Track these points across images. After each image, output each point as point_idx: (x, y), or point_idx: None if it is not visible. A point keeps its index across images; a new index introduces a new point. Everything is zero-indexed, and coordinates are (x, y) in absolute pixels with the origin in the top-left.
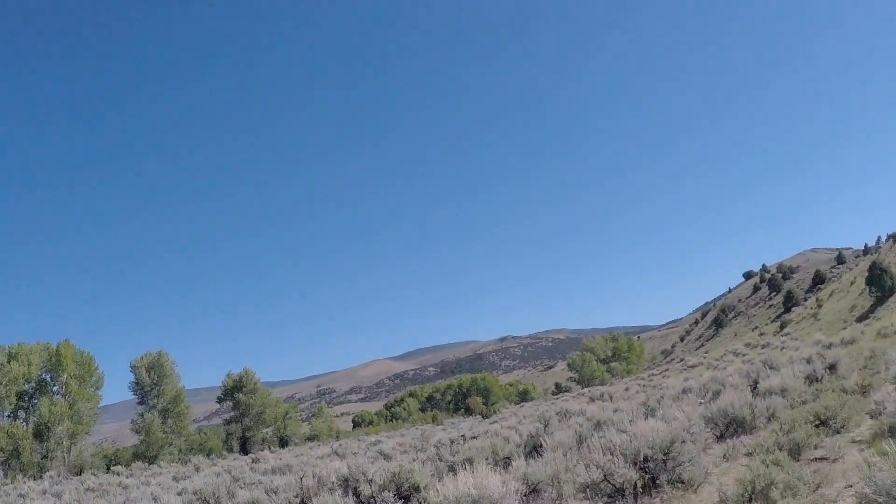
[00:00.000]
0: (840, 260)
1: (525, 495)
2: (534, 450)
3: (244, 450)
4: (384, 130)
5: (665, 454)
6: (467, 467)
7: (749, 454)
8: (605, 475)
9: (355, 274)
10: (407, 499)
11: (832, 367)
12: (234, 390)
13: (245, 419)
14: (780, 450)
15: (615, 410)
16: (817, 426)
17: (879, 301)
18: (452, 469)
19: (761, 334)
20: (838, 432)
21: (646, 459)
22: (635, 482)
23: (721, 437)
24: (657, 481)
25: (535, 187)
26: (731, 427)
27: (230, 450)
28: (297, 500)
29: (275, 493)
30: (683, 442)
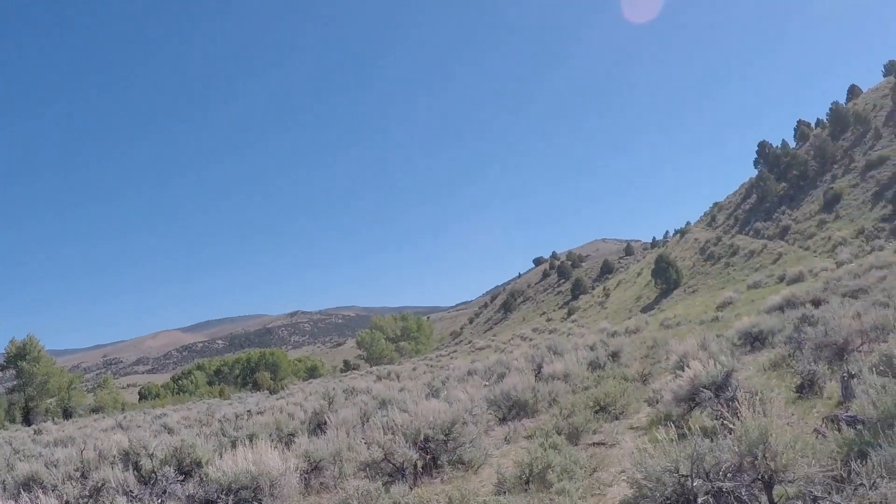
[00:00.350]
0: (628, 251)
1: (307, 472)
2: (318, 427)
3: (27, 420)
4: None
5: (446, 435)
6: (248, 443)
7: (529, 437)
8: (385, 454)
9: (143, 239)
10: (188, 474)
11: (615, 355)
12: (17, 358)
13: (28, 389)
14: (560, 434)
15: (401, 390)
16: (597, 412)
17: (664, 293)
18: (235, 444)
19: (549, 320)
20: (617, 419)
21: (427, 440)
22: (415, 462)
23: (503, 420)
24: (438, 462)
25: (333, 172)
26: (513, 410)
27: (12, 420)
28: (78, 474)
29: (55, 466)
30: (465, 423)
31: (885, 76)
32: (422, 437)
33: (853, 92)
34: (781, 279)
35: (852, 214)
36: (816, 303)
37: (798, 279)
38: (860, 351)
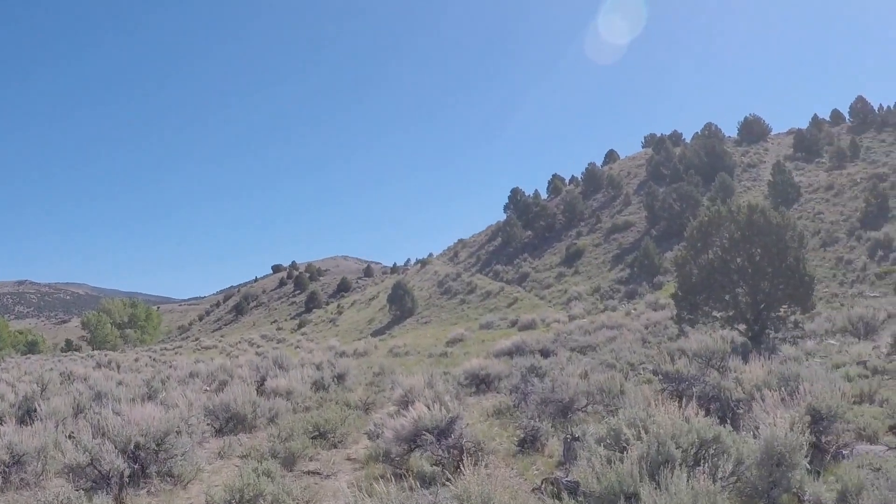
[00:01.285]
0: (368, 273)
1: (9, 466)
2: (28, 414)
3: None
4: None
5: (158, 444)
6: None
7: (245, 456)
8: (92, 459)
9: None
10: None
11: (341, 377)
12: None
13: None
14: (275, 457)
15: (119, 383)
16: (316, 437)
17: (397, 320)
18: None
19: (279, 329)
20: (336, 447)
21: (137, 447)
22: (123, 471)
23: (220, 432)
24: (147, 472)
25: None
26: (231, 423)
27: None
28: None
29: None
30: (179, 433)
31: (643, 147)
32: (132, 445)
33: (611, 157)
34: (514, 324)
35: (591, 272)
36: (546, 353)
37: (530, 326)
38: (585, 411)
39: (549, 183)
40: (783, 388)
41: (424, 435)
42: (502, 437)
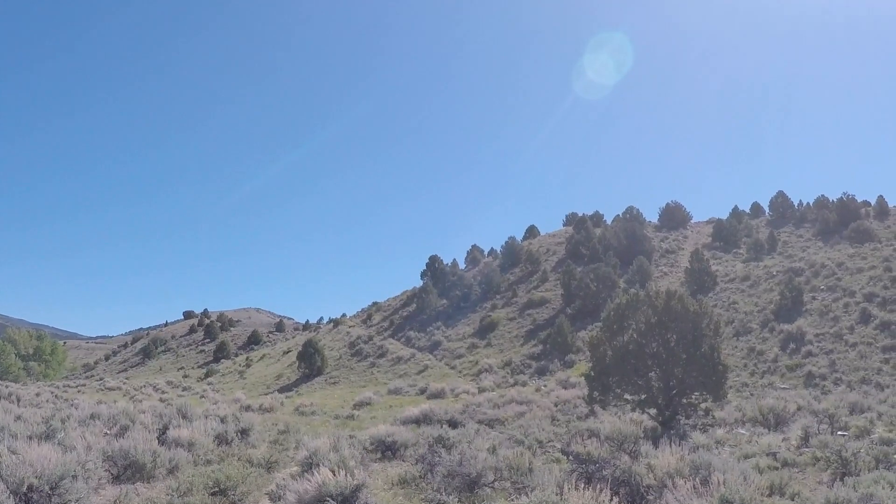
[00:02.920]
0: (280, 328)
1: None
2: None
3: None
4: None
5: (52, 488)
6: None
7: None
8: None
9: None
10: None
11: (245, 432)
12: None
13: None
14: None
15: (18, 418)
16: (215, 494)
17: (305, 378)
18: None
19: (185, 376)
20: None
21: (31, 489)
22: None
23: (117, 479)
24: None
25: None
26: (129, 470)
27: None
28: None
29: None
30: (75, 477)
31: (564, 225)
32: (25, 487)
33: (531, 232)
34: (423, 391)
35: (503, 345)
36: (454, 424)
37: (439, 395)
38: (492, 487)
39: (468, 253)
40: (695, 477)
41: (327, 501)
42: None
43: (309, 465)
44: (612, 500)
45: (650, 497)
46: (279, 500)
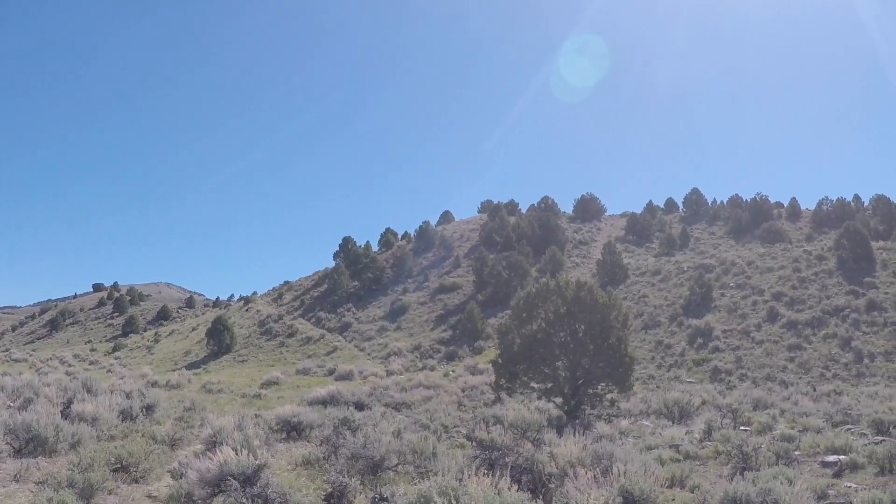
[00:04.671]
0: (190, 304)
1: None
2: None
3: None
4: None
5: None
6: None
7: (42, 482)
8: None
9: None
10: None
11: (150, 408)
12: None
13: None
14: (73, 487)
15: None
16: (117, 470)
17: (214, 355)
18: None
19: (93, 350)
20: (137, 482)
21: None
22: None
23: (19, 453)
24: None
25: None
26: (31, 444)
27: None
28: None
29: None
30: None
31: (479, 212)
32: None
33: (446, 217)
34: (331, 373)
35: (413, 329)
36: (360, 406)
37: (347, 377)
38: (395, 470)
39: (382, 236)
40: (597, 467)
41: (229, 480)
42: (309, 489)
43: (213, 444)
44: (512, 487)
45: (551, 485)
46: (181, 477)
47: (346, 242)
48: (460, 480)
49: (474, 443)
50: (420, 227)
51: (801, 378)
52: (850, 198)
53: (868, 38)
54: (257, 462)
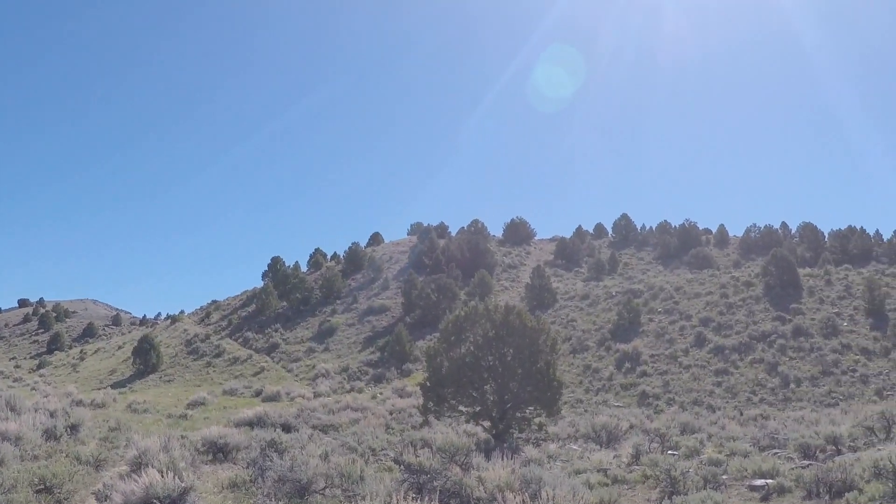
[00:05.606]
0: (116, 321)
1: None
2: None
3: None
4: None
5: None
6: None
7: None
8: None
9: None
10: None
11: (74, 428)
12: None
13: None
14: None
15: None
16: (40, 491)
17: (140, 374)
18: None
19: (17, 367)
20: (60, 503)
21: None
22: None
23: None
24: None
25: None
26: None
27: None
28: None
29: None
30: None
31: (409, 234)
32: None
33: (375, 239)
34: (258, 394)
35: (341, 351)
36: (287, 428)
37: (274, 398)
38: (323, 494)
39: (311, 256)
40: (525, 491)
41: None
42: None
43: (138, 465)
44: None
45: None
46: (105, 500)
47: (275, 262)
48: (390, 503)
49: (402, 466)
50: (349, 248)
51: (728, 402)
52: (777, 225)
53: (801, 67)
54: (183, 485)
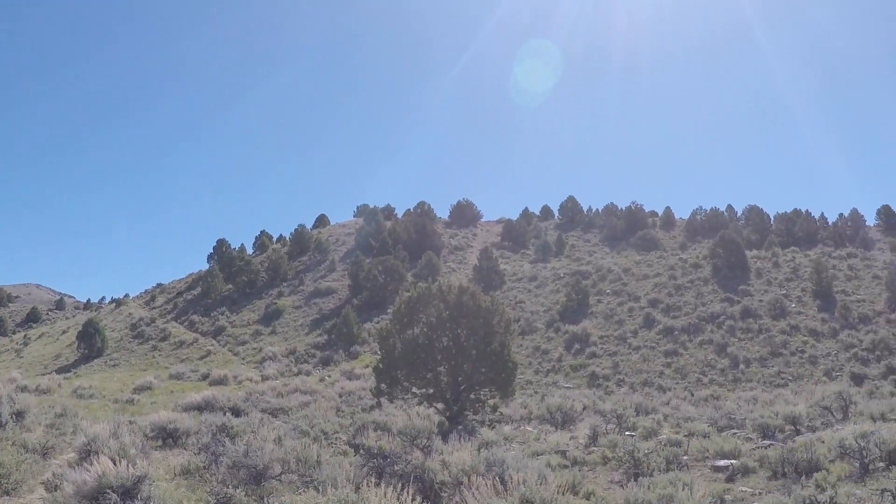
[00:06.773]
0: (60, 306)
1: None
2: None
3: None
4: None
5: None
6: None
7: None
8: None
9: None
10: None
11: (20, 415)
12: None
13: None
14: None
15: None
16: None
17: (85, 359)
18: None
19: None
20: (8, 494)
21: None
22: None
23: None
24: None
25: None
26: None
27: None
28: None
29: None
30: None
31: (355, 216)
32: None
33: (322, 221)
34: (205, 377)
35: (288, 334)
36: (237, 412)
37: (222, 382)
38: (279, 480)
39: (257, 239)
40: (493, 475)
41: (108, 494)
42: (191, 501)
43: (87, 452)
44: (415, 500)
45: (444, 494)
46: (56, 490)
47: (221, 245)
48: (357, 492)
49: (361, 450)
50: (296, 230)
51: (678, 383)
52: (723, 208)
53: (749, 54)
54: (137, 473)
